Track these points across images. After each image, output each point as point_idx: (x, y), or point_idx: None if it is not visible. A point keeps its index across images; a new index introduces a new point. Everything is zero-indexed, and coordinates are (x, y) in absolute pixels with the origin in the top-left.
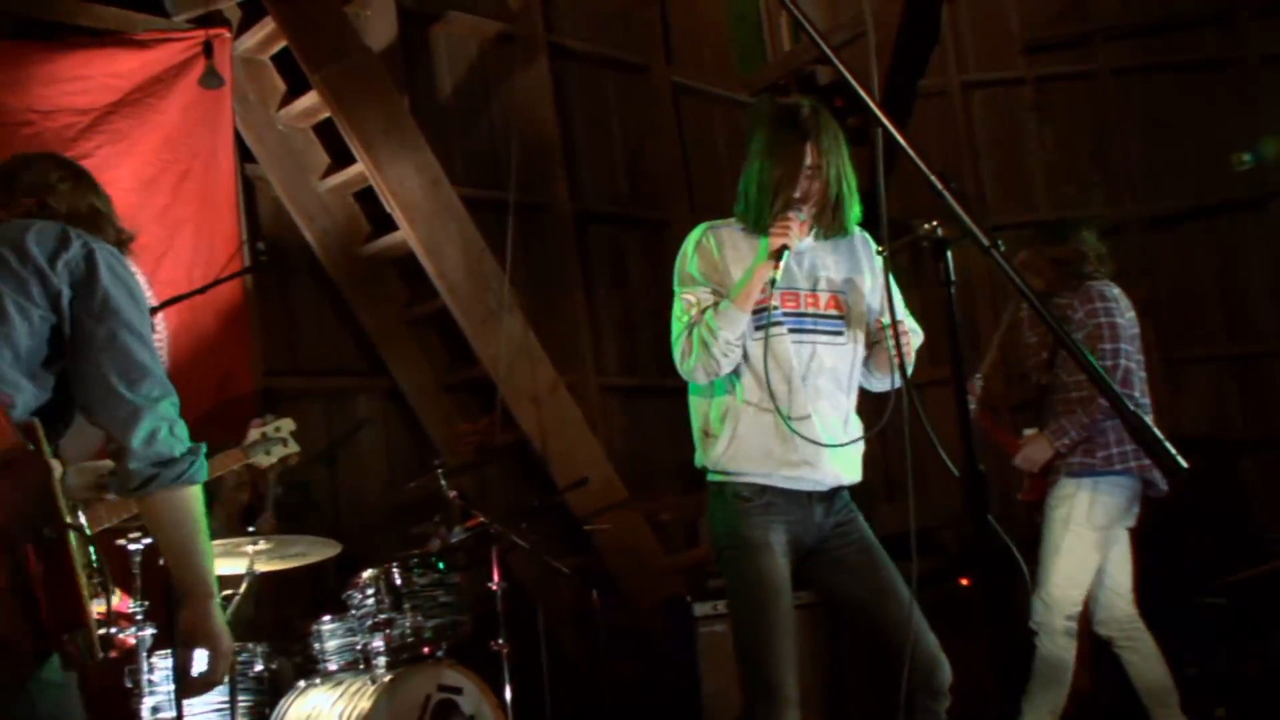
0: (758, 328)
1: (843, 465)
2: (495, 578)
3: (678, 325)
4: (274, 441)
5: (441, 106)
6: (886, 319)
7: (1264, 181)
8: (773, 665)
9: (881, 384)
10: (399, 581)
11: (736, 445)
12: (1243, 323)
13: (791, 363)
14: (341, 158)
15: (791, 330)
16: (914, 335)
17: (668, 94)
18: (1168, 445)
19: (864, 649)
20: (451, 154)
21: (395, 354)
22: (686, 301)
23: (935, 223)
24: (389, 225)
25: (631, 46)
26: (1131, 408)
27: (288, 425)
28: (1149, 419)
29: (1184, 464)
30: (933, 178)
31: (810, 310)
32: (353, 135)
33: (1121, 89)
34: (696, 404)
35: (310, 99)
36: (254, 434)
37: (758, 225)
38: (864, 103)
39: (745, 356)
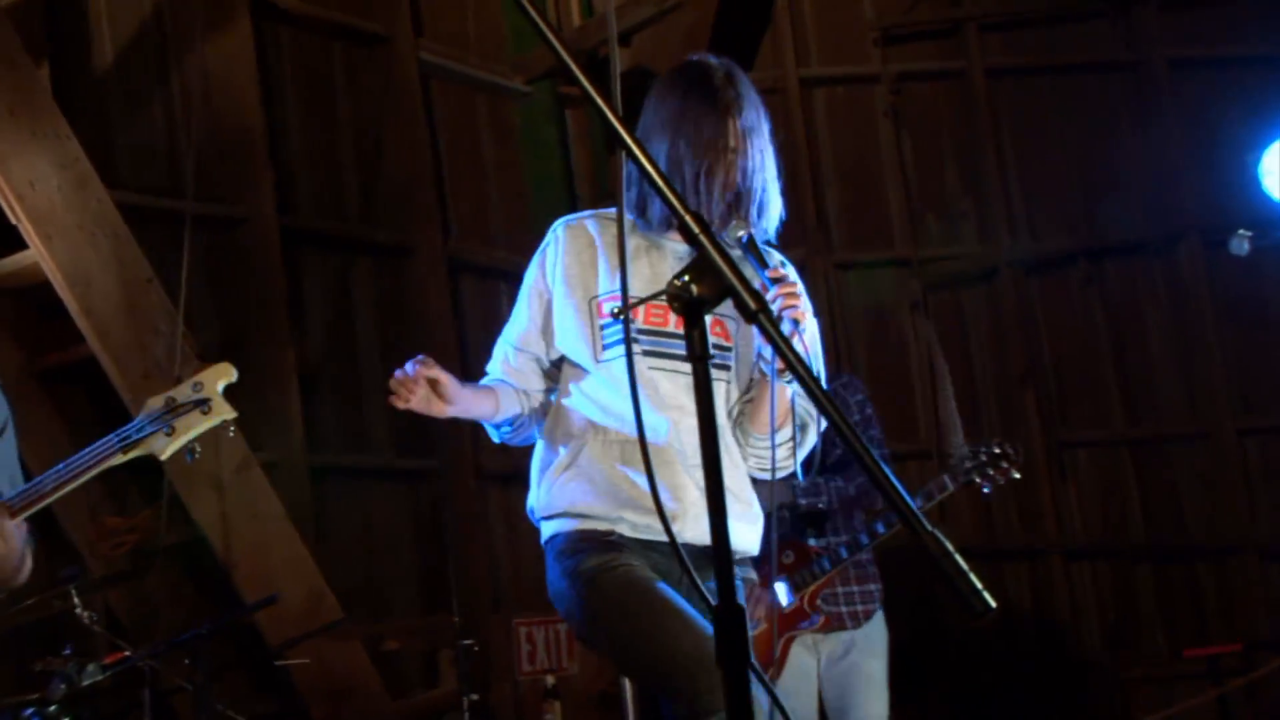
0: (609, 344)
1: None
2: None
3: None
4: (184, 409)
5: (98, 81)
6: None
7: (1168, 218)
8: (683, 642)
9: (755, 457)
10: None
11: (574, 476)
12: (1144, 396)
13: (646, 390)
14: None
15: (648, 353)
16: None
17: (415, 75)
18: (973, 579)
19: None
20: (110, 146)
21: (20, 419)
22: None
23: (686, 278)
24: (15, 242)
25: (368, 10)
26: (929, 527)
27: (217, 378)
28: None
29: (992, 603)
30: (686, 217)
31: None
32: None
33: (997, 92)
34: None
35: None
36: (151, 404)
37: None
38: (612, 112)
39: (603, 375)
